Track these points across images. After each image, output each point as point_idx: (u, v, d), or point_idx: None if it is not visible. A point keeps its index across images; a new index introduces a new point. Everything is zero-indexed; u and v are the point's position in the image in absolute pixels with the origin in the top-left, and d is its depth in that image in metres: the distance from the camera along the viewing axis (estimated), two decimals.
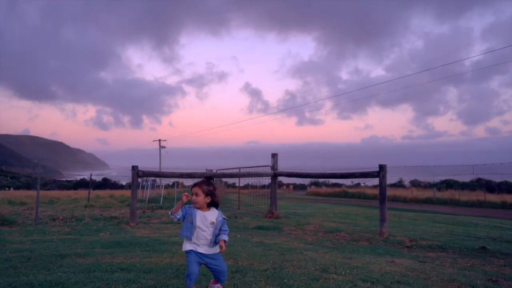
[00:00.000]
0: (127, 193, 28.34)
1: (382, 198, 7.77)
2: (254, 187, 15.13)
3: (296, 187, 57.54)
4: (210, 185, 3.16)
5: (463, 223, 11.27)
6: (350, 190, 38.43)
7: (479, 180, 44.19)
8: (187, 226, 3.15)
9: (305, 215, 12.37)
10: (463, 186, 40.18)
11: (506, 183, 41.20)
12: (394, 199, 30.50)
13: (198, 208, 3.16)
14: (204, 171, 12.71)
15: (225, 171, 13.76)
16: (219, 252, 3.14)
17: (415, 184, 47.24)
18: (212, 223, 3.13)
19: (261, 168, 11.56)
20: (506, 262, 5.08)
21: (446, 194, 31.18)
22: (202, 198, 3.11)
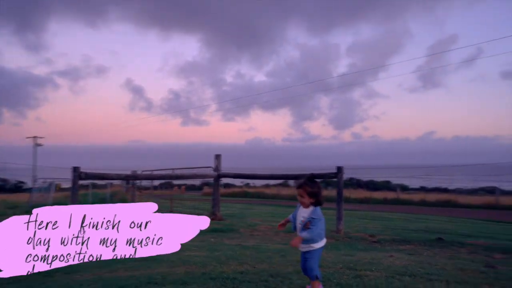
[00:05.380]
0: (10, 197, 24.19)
1: (339, 198, 8.32)
2: (192, 188, 14.57)
3: (188, 187, 56.67)
4: (314, 187, 3.15)
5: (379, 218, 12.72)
6: (250, 190, 39.67)
7: (351, 179, 50.50)
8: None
9: (240, 216, 12.38)
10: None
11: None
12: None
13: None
14: (142, 172, 11.76)
15: (155, 172, 12.93)
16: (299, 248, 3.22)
17: None
18: (303, 220, 3.18)
19: (202, 169, 11.22)
20: (470, 250, 5.99)
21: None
22: (307, 200, 3.15)
